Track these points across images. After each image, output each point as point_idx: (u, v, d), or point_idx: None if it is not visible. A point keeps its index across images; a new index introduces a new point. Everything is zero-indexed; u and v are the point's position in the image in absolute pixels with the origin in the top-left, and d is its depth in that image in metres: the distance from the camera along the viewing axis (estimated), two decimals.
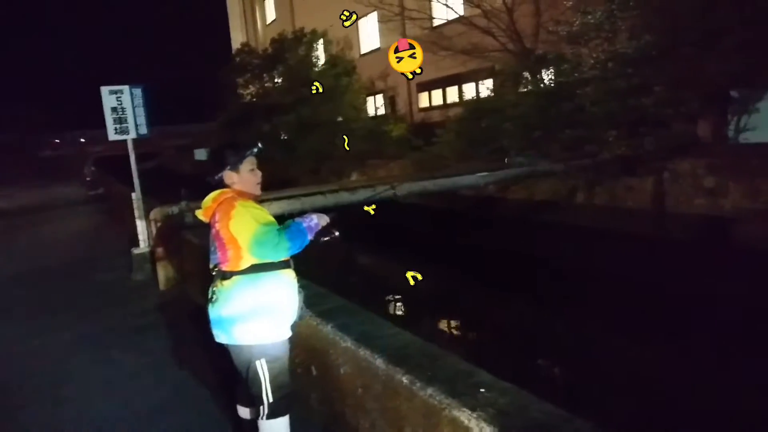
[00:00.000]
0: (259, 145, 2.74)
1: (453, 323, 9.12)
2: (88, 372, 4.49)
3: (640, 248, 9.22)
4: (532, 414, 1.94)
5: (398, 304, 9.97)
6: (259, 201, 2.73)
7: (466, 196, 13.37)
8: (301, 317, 2.81)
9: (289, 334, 2.70)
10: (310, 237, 2.54)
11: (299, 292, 2.74)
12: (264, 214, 2.54)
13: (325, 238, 2.66)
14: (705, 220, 9.22)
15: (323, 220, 2.64)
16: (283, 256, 2.51)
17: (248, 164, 2.69)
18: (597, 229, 10.53)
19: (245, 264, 2.53)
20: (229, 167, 2.65)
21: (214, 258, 2.65)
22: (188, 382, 4.12)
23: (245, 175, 2.68)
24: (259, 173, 2.74)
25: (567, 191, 11.60)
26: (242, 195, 2.62)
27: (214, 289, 2.63)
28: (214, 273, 2.66)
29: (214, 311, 2.62)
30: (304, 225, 2.53)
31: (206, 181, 2.72)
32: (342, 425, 2.95)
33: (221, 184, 2.68)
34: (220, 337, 2.65)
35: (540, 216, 11.86)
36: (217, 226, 2.56)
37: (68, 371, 4.54)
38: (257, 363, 2.59)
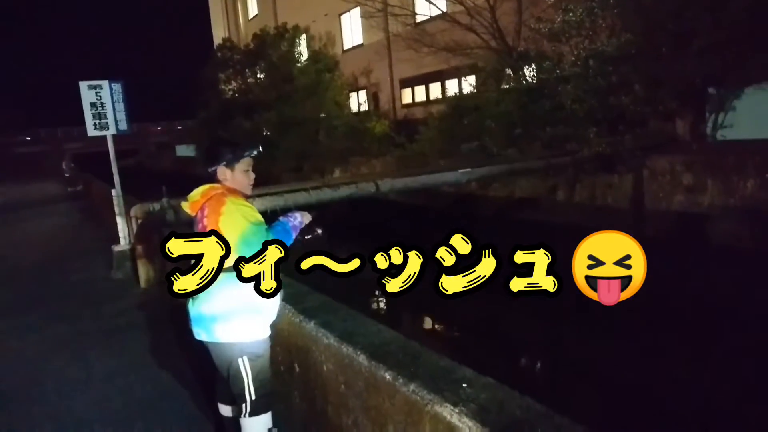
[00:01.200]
0: (260, 148, 2.73)
1: (432, 319, 9.16)
2: (66, 372, 4.43)
3: None
4: (513, 409, 1.95)
5: (378, 301, 9.99)
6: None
7: (447, 193, 13.44)
8: (278, 315, 2.81)
9: (269, 333, 2.70)
10: (294, 235, 2.54)
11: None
12: (253, 212, 2.51)
13: (308, 236, 2.66)
14: (683, 218, 9.37)
15: (306, 218, 2.64)
16: None
17: (244, 164, 2.67)
18: (576, 226, 10.64)
19: (229, 262, 2.50)
20: (224, 163, 2.63)
21: None
22: (168, 382, 4.09)
23: (239, 175, 2.66)
24: (252, 175, 2.73)
25: (547, 189, 11.71)
26: (232, 192, 2.59)
27: None
28: None
29: (194, 308, 2.60)
30: (290, 224, 2.53)
31: (198, 173, 2.70)
32: (324, 423, 2.95)
33: (212, 178, 2.66)
34: (201, 334, 2.63)
35: (520, 213, 11.95)
36: (205, 221, 2.52)
37: (46, 371, 4.48)
38: (239, 361, 2.58)
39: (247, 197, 2.68)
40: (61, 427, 3.55)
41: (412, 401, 2.16)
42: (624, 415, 5.31)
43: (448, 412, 1.98)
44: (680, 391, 5.69)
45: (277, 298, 2.69)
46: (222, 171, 2.63)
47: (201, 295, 2.54)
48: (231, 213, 2.45)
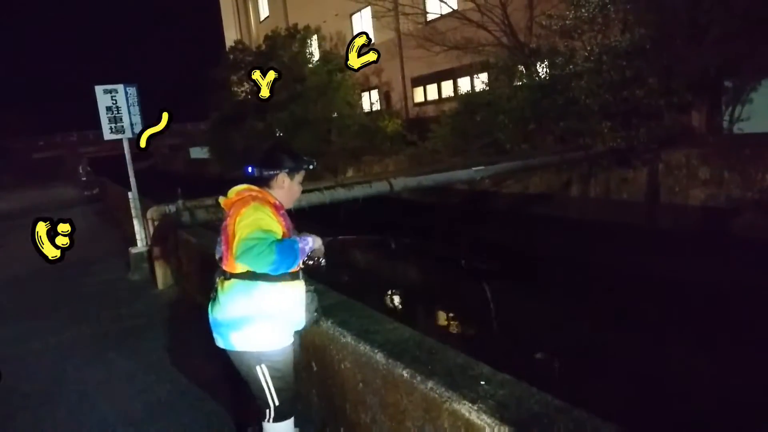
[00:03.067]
0: (314, 163, 2.75)
1: (449, 316, 9.15)
2: (85, 373, 4.49)
3: (632, 239, 9.29)
4: (531, 405, 1.96)
5: (393, 299, 10.03)
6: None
7: (460, 190, 13.43)
8: (315, 321, 2.81)
9: (290, 341, 2.65)
10: (302, 258, 2.50)
11: (312, 297, 2.72)
12: (270, 222, 2.44)
13: (310, 262, 2.64)
14: (699, 211, 9.28)
15: (317, 243, 2.60)
16: (265, 269, 2.40)
17: (300, 176, 2.69)
18: (589, 221, 10.60)
19: (241, 269, 2.48)
20: (287, 170, 2.61)
21: (219, 251, 2.63)
22: (187, 382, 4.13)
23: (295, 186, 2.66)
24: (301, 188, 2.74)
25: (561, 184, 11.65)
26: (265, 199, 2.54)
27: (216, 287, 2.62)
28: (219, 265, 2.64)
29: (212, 314, 2.61)
30: (300, 245, 2.46)
31: (245, 173, 2.64)
32: (342, 420, 2.97)
33: (263, 182, 2.61)
34: (219, 341, 2.62)
35: (534, 209, 11.92)
36: (228, 220, 2.51)
37: (65, 372, 4.55)
38: (257, 369, 2.54)
39: (278, 209, 2.58)
40: (83, 427, 3.60)
41: (430, 398, 2.17)
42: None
43: (467, 409, 1.99)
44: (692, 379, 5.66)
45: (301, 308, 2.66)
46: (282, 178, 2.61)
47: (217, 299, 2.56)
48: (247, 216, 2.41)
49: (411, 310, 9.44)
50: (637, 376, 6.00)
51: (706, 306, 7.10)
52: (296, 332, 2.70)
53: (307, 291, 2.71)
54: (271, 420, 2.61)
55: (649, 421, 4.95)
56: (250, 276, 2.48)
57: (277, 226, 2.47)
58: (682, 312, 7.20)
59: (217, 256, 2.68)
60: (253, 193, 2.56)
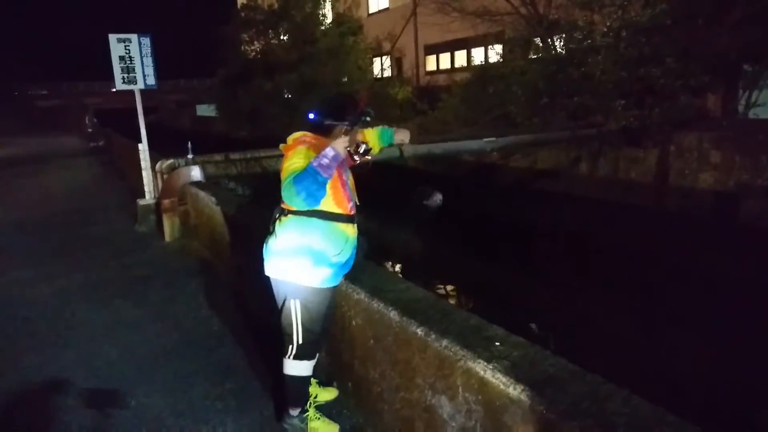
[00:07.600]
0: (372, 114, 2.72)
1: (449, 286, 9.23)
2: (90, 319, 4.53)
3: (636, 220, 9.32)
4: (545, 367, 1.98)
5: (396, 266, 10.11)
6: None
7: (467, 162, 13.38)
8: (355, 266, 2.84)
9: (330, 285, 2.69)
10: (326, 174, 2.39)
11: (357, 243, 2.76)
12: (299, 159, 2.47)
13: (358, 161, 2.68)
14: (708, 195, 9.26)
15: (340, 145, 2.46)
16: (301, 204, 2.41)
17: (357, 129, 2.71)
18: (596, 199, 10.59)
19: (297, 206, 2.54)
20: (347, 124, 2.62)
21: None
22: (193, 332, 4.17)
23: (352, 139, 2.65)
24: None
25: (569, 161, 11.60)
26: (318, 146, 2.54)
27: (276, 222, 2.67)
28: (278, 204, 2.70)
29: (267, 244, 2.70)
30: (314, 164, 2.39)
31: (308, 119, 2.69)
32: (350, 375, 3.01)
33: (324, 130, 2.64)
34: (267, 268, 2.70)
35: (541, 185, 11.90)
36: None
37: (71, 317, 4.58)
38: (291, 302, 2.64)
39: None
40: (91, 368, 3.66)
41: (443, 356, 2.20)
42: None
43: (482, 368, 2.01)
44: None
45: (347, 253, 2.70)
46: (340, 130, 2.62)
47: (273, 233, 2.64)
48: (289, 159, 2.51)
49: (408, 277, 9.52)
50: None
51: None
52: (333, 279, 2.71)
53: (359, 236, 2.78)
54: (291, 357, 2.70)
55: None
56: (306, 213, 2.55)
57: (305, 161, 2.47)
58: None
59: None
60: (307, 139, 2.61)
